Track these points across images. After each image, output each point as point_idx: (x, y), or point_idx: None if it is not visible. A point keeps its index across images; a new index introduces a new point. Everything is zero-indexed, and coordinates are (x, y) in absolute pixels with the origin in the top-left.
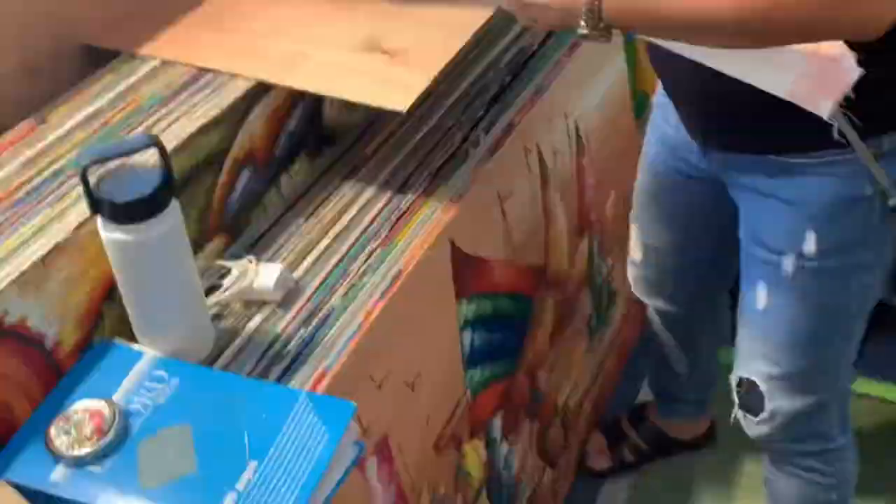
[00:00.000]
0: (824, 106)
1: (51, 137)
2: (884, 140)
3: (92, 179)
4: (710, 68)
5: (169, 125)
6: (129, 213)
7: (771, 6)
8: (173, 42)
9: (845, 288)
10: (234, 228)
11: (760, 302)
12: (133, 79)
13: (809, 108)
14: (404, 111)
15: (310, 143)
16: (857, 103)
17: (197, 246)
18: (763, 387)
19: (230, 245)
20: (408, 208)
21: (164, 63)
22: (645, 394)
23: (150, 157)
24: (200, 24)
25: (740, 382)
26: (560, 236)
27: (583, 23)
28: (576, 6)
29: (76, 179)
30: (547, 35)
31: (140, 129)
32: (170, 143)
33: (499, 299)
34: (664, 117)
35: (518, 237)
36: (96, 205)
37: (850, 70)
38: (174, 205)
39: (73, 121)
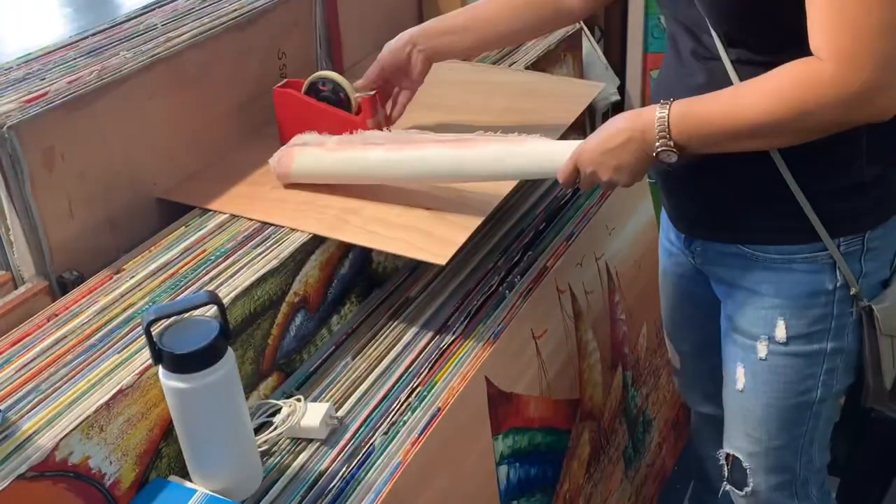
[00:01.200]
0: None
1: (125, 286)
2: (840, 242)
3: (155, 331)
4: (695, 165)
5: (232, 275)
6: (187, 363)
7: (798, 115)
8: (240, 198)
9: (813, 371)
10: (288, 366)
11: (739, 382)
12: (202, 231)
13: None
14: (444, 264)
15: (359, 286)
16: (829, 205)
17: (252, 384)
18: (745, 462)
19: (283, 381)
20: (447, 348)
21: (232, 217)
22: None
23: (210, 309)
24: (265, 182)
25: (727, 457)
26: (594, 370)
27: (657, 144)
28: (650, 128)
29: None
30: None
31: (206, 278)
32: (231, 291)
33: (534, 433)
34: (666, 234)
35: (552, 373)
36: (158, 355)
37: None
38: (229, 354)
39: (145, 270)
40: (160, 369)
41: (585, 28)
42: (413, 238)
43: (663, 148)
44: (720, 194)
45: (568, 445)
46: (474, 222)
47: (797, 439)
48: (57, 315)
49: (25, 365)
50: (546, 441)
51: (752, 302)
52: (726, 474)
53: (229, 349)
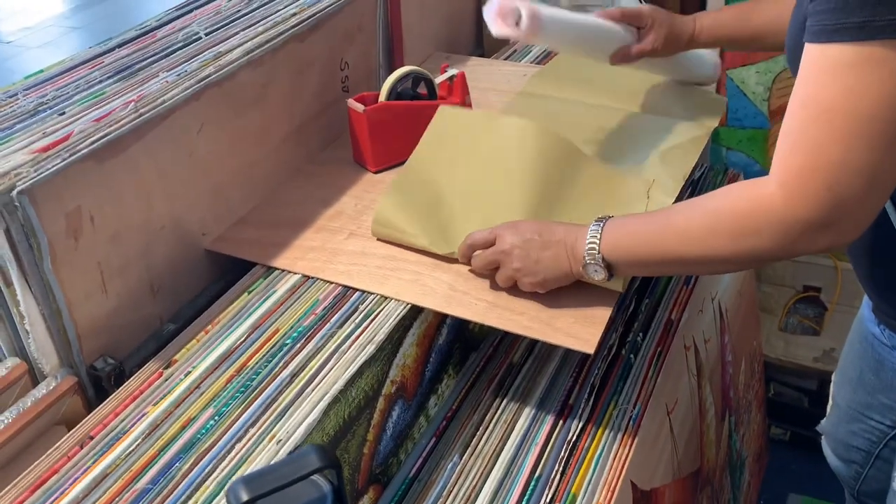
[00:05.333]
0: None
1: (179, 389)
2: None
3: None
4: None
5: (319, 369)
6: None
7: (734, 250)
8: (311, 252)
9: None
10: (384, 473)
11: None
12: (270, 301)
13: None
14: (591, 353)
15: (456, 354)
16: None
17: None
18: None
19: (380, 496)
20: (577, 439)
21: (305, 278)
22: None
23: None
24: (337, 229)
25: None
26: (710, 428)
27: (582, 269)
28: (577, 251)
29: (209, 460)
30: None
31: (284, 374)
32: (322, 397)
33: None
34: None
35: (681, 448)
36: None
37: None
38: None
39: (204, 363)
40: None
41: None
42: (541, 313)
43: (591, 261)
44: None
45: None
46: (614, 290)
47: None
48: (92, 438)
49: None
50: None
51: None
52: None
53: None
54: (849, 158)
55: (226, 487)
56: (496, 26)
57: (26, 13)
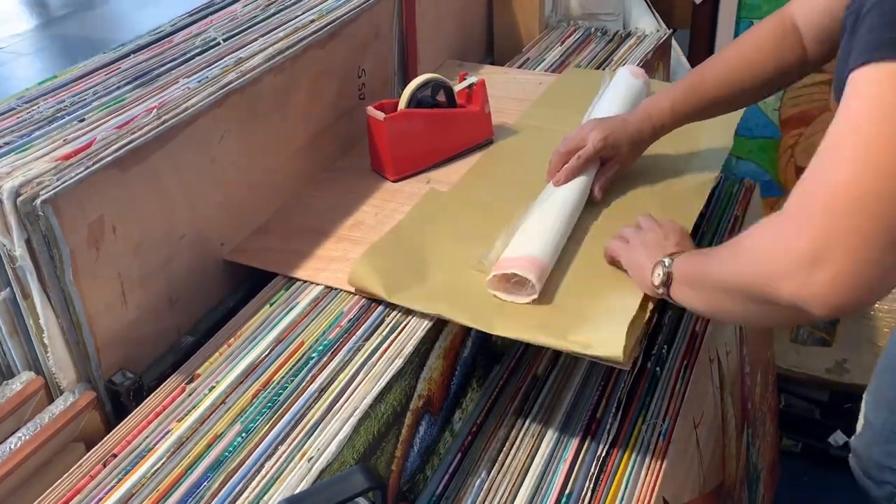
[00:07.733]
0: None
1: (204, 404)
2: None
3: None
4: None
5: (347, 383)
6: None
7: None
8: (333, 263)
9: None
10: (412, 490)
11: None
12: (293, 313)
13: None
14: (623, 360)
15: (480, 367)
16: None
17: None
18: None
19: None
20: (606, 455)
21: (328, 289)
22: None
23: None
24: (358, 239)
25: None
26: (731, 441)
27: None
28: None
29: (238, 478)
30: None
31: (312, 387)
32: (353, 412)
33: None
34: None
35: (706, 462)
36: None
37: None
38: None
39: (227, 378)
40: None
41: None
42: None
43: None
44: None
45: None
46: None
47: None
48: (115, 456)
49: None
50: None
51: None
52: None
53: None
54: (855, 180)
55: None
56: (515, 298)
57: (16, 20)
